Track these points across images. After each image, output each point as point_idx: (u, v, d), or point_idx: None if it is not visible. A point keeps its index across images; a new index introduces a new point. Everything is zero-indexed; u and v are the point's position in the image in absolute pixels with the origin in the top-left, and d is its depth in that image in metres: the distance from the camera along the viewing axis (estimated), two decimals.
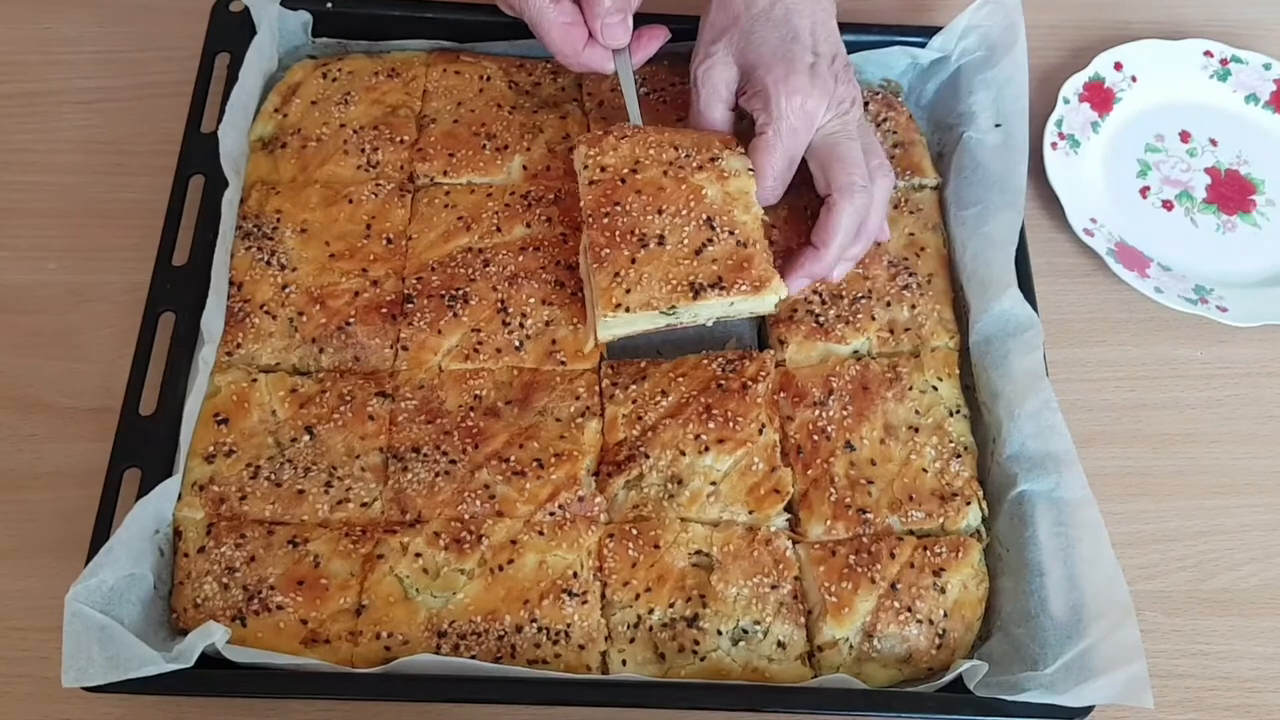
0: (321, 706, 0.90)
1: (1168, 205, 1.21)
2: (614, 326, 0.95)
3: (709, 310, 0.95)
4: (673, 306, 0.93)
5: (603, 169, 0.98)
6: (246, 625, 0.87)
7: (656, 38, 1.07)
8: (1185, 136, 1.25)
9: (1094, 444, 1.05)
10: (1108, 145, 1.24)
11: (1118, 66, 1.26)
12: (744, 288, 0.94)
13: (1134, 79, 1.26)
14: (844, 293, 1.05)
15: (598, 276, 0.93)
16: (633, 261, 0.93)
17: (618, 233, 0.95)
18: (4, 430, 1.01)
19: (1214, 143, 1.25)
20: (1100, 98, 1.25)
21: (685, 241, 0.95)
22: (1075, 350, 1.11)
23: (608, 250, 0.94)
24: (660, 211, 0.95)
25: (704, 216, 0.96)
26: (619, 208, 0.96)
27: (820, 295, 1.04)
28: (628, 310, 0.92)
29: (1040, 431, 0.95)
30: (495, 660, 0.87)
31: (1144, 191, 1.21)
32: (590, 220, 0.96)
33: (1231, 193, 1.22)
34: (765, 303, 0.96)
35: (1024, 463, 0.95)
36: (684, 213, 0.96)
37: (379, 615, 0.88)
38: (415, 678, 0.85)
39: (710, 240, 0.95)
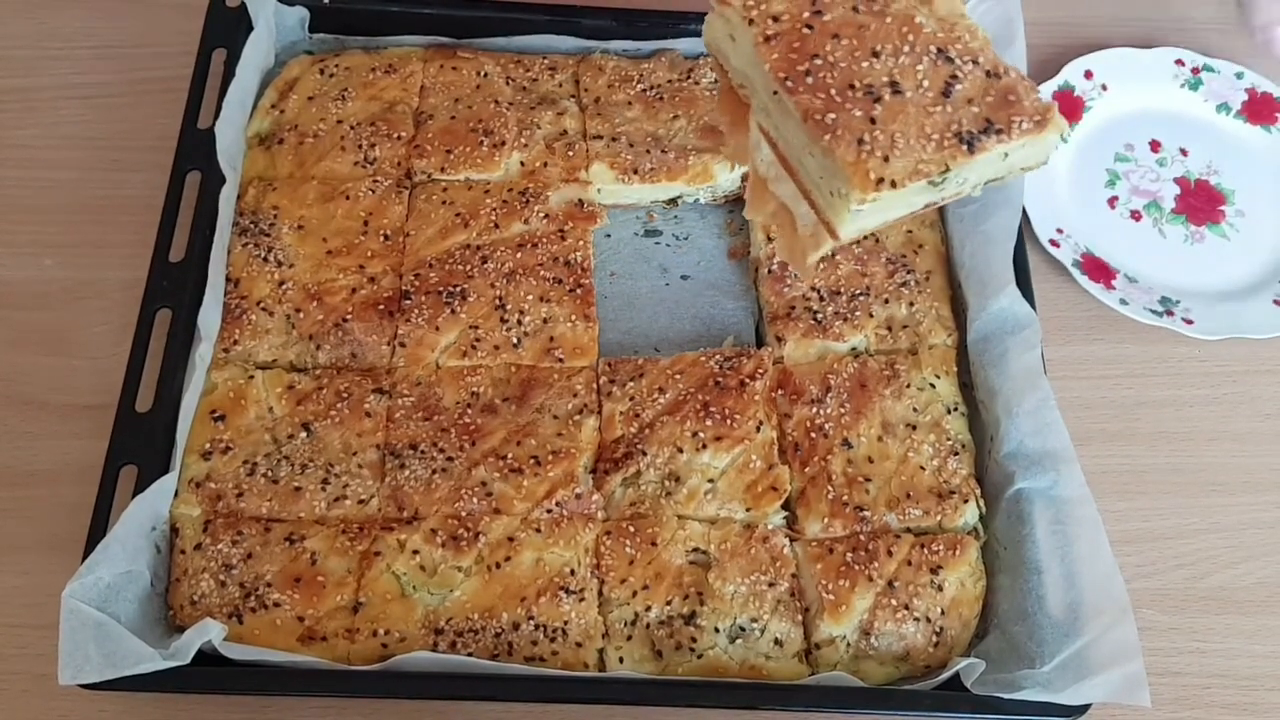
0: (318, 704, 0.90)
1: (1136, 216, 1.20)
2: (867, 216, 0.73)
3: (981, 170, 0.74)
4: (944, 170, 0.71)
5: (775, 19, 0.75)
6: (243, 622, 0.87)
7: None
8: (1155, 146, 1.24)
9: (1092, 442, 1.05)
10: (1076, 154, 1.23)
11: (1088, 75, 1.25)
12: (1025, 126, 0.73)
13: (1104, 87, 1.25)
14: (842, 289, 1.05)
15: (839, 149, 0.70)
16: (872, 121, 0.71)
17: (834, 90, 0.72)
18: (0, 427, 1.00)
19: (1184, 152, 1.24)
20: (1070, 106, 1.24)
21: (925, 84, 0.73)
22: (1073, 348, 1.11)
23: (833, 115, 0.71)
24: (875, 54, 0.74)
25: (932, 50, 0.75)
26: (819, 61, 0.73)
27: (819, 292, 1.04)
28: (894, 185, 0.70)
29: (1038, 429, 0.95)
30: (492, 658, 0.87)
31: (1112, 202, 1.21)
32: (790, 83, 0.73)
33: (1201, 203, 1.21)
34: (1045, 145, 0.75)
35: (1022, 460, 0.95)
36: (905, 50, 0.75)
37: (376, 612, 0.88)
38: (412, 675, 0.85)
39: (954, 77, 0.73)
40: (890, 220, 0.74)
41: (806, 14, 0.75)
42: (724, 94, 0.81)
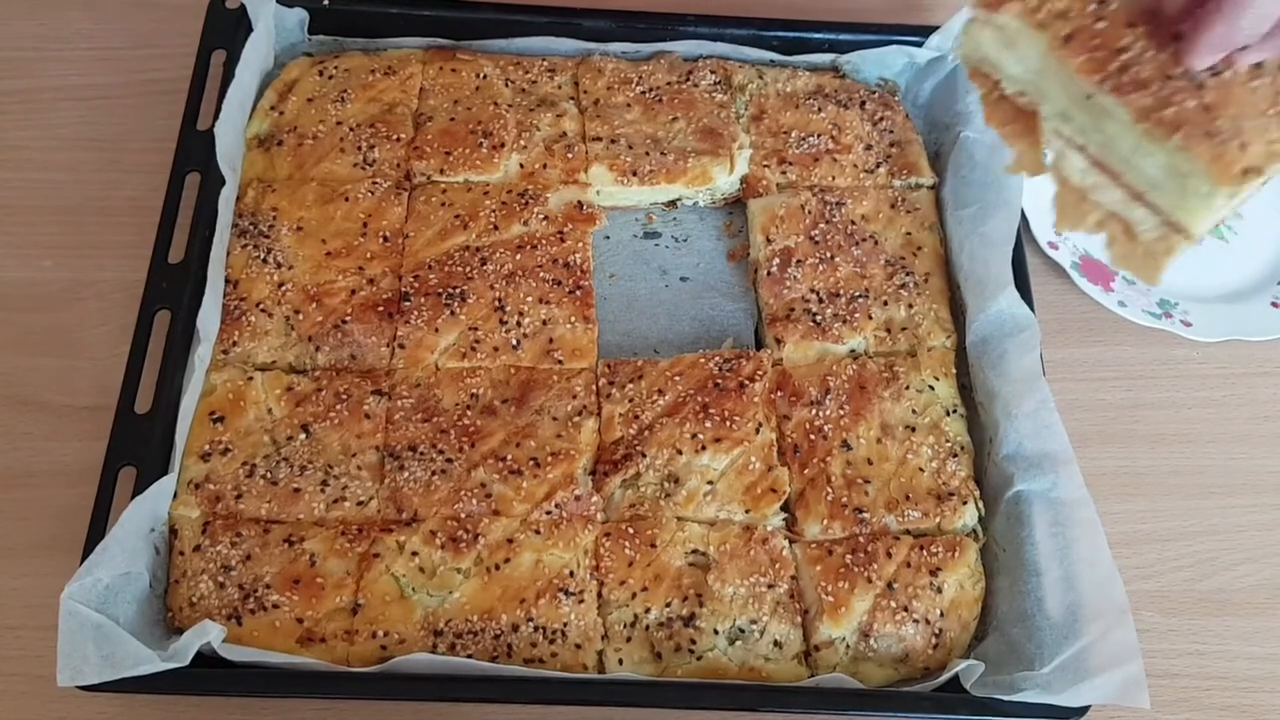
0: (317, 705, 0.90)
1: None
2: (1223, 208, 0.69)
3: None
4: None
5: (1062, 17, 0.71)
6: (242, 624, 0.87)
7: None
8: None
9: (1091, 444, 1.05)
10: None
11: None
12: None
13: None
14: (841, 291, 1.05)
15: (1195, 146, 0.67)
16: (1207, 109, 0.67)
17: (1155, 83, 0.68)
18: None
19: None
20: None
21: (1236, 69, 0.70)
22: (1072, 350, 1.11)
23: (1169, 110, 0.67)
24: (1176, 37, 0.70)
25: None
26: (1127, 55, 0.69)
27: (818, 294, 1.04)
28: (1257, 173, 0.66)
29: (1037, 431, 0.95)
30: (492, 659, 0.87)
31: None
32: (1109, 84, 0.69)
33: None
34: None
35: (1021, 462, 0.95)
36: None
37: (375, 614, 0.88)
38: (411, 677, 0.85)
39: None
40: (1234, 208, 0.70)
41: (1092, 7, 0.70)
42: (993, 105, 0.78)
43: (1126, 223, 0.73)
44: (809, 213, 1.08)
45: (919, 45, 1.15)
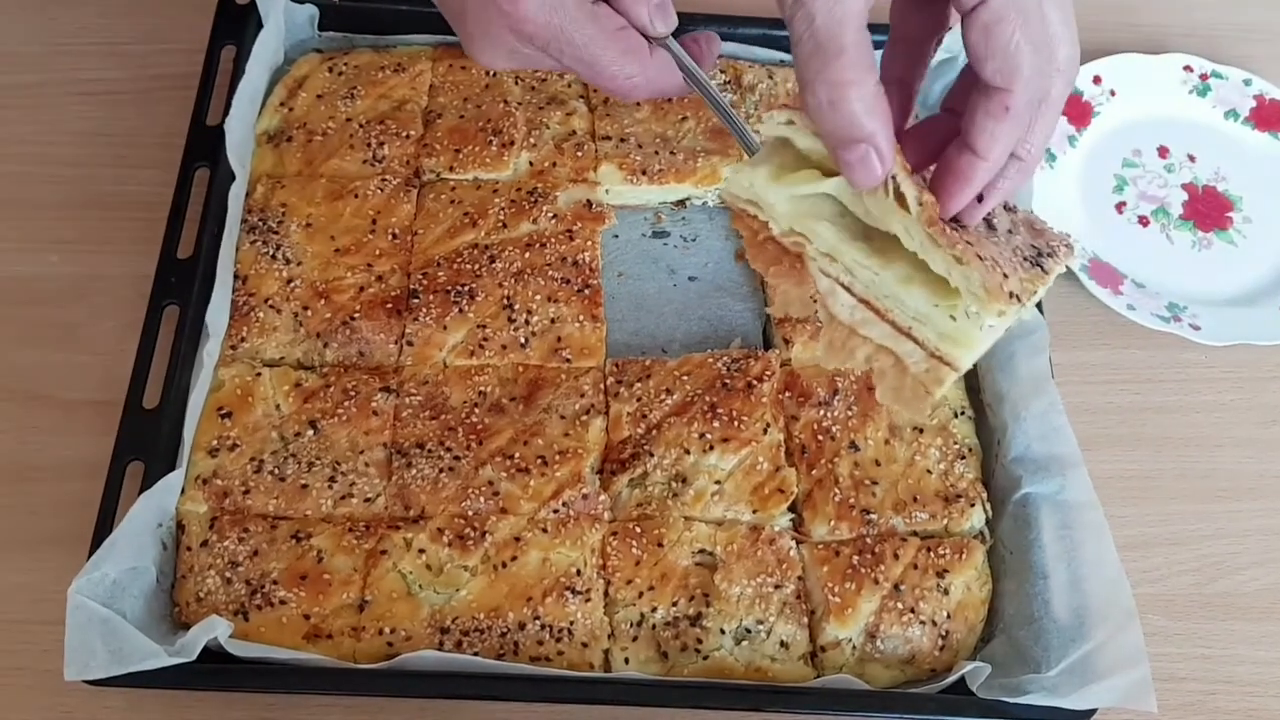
0: (323, 702, 0.90)
1: (1143, 221, 1.20)
2: (988, 337, 0.72)
3: (1041, 291, 0.74)
4: (1035, 290, 0.72)
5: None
6: (249, 620, 0.87)
7: (713, 40, 0.92)
8: (1163, 152, 1.24)
9: (1098, 447, 1.05)
10: (1084, 160, 1.23)
11: (1096, 80, 1.25)
12: (1064, 251, 0.76)
13: (1112, 93, 1.25)
14: None
15: (973, 263, 0.68)
16: (969, 244, 0.70)
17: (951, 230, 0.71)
18: (7, 423, 1.00)
19: (1192, 159, 1.24)
20: (1078, 111, 1.23)
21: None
22: (1080, 353, 1.11)
23: (940, 239, 0.70)
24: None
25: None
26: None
27: None
28: (1019, 300, 0.70)
29: (1045, 434, 0.95)
30: (498, 657, 0.87)
31: (1120, 207, 1.21)
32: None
33: (1208, 209, 1.21)
34: (1062, 267, 0.77)
35: (1028, 465, 0.95)
36: None
37: (382, 611, 0.88)
38: (417, 674, 0.85)
39: (989, 213, 0.74)
40: (994, 338, 0.72)
41: None
42: (758, 247, 0.79)
43: (896, 356, 0.74)
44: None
45: None
